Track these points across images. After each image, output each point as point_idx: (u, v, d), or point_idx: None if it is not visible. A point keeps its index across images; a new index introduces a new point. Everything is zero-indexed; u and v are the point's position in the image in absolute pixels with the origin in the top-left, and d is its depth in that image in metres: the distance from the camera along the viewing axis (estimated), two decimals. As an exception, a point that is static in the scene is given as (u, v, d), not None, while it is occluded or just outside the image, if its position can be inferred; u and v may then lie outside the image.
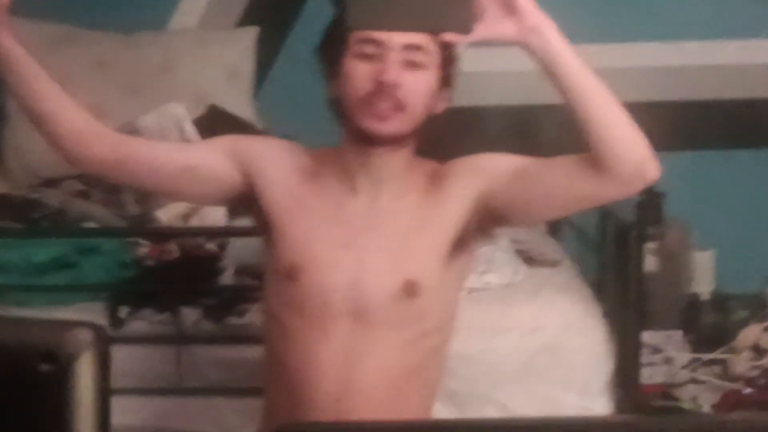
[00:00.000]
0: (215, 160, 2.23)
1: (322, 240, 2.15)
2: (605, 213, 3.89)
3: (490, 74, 4.06)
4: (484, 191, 2.12)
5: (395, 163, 2.16)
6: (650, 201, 3.99)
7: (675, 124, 4.33)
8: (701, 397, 3.90)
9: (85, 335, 1.26)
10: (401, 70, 2.08)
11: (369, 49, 2.09)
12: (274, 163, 2.22)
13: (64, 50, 4.02)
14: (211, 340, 2.97)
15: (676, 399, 3.82)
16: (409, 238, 2.15)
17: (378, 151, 2.14)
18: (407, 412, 2.15)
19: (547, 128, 3.53)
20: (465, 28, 1.98)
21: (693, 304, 4.17)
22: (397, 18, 2.03)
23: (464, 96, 4.23)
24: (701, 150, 4.40)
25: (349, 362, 2.13)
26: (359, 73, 2.10)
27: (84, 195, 3.49)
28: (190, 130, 3.41)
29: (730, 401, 3.76)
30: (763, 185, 4.36)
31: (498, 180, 2.11)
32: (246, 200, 2.26)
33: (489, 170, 2.14)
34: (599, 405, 3.04)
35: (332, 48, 2.16)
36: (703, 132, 4.41)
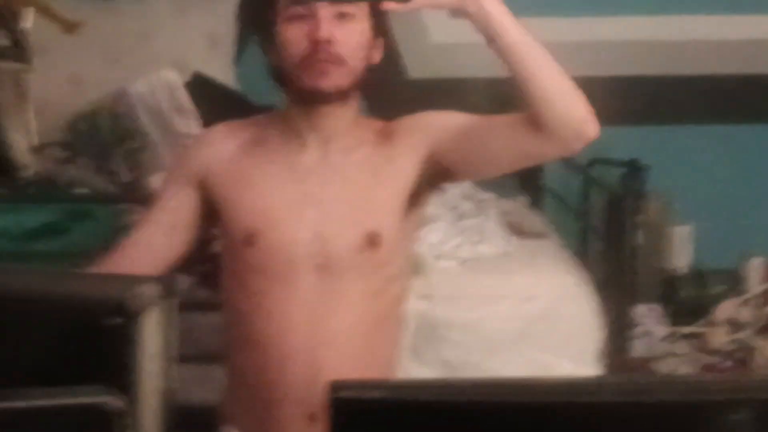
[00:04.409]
0: (185, 213, 2.22)
1: (278, 201, 2.18)
2: (588, 184, 3.91)
3: (471, 45, 4.06)
4: (432, 147, 2.16)
5: (341, 119, 2.19)
6: (634, 174, 4.01)
7: (657, 98, 4.35)
8: (680, 369, 3.94)
9: (152, 290, 1.26)
10: (333, 25, 2.11)
11: (299, 10, 2.12)
12: (215, 154, 2.22)
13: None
14: (206, 306, 2.95)
15: (655, 372, 3.85)
16: (366, 190, 2.18)
17: (323, 110, 2.16)
18: (376, 363, 2.19)
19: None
20: None
21: (671, 278, 4.20)
22: None
23: (445, 67, 4.28)
24: (683, 124, 4.42)
25: (317, 316, 2.15)
26: (293, 34, 2.13)
27: (69, 161, 3.44)
28: (183, 96, 3.37)
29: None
30: (742, 160, 4.39)
31: (446, 137, 2.16)
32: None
33: (437, 127, 2.18)
34: (592, 372, 3.05)
35: (264, 16, 2.18)
36: (685, 106, 4.42)
